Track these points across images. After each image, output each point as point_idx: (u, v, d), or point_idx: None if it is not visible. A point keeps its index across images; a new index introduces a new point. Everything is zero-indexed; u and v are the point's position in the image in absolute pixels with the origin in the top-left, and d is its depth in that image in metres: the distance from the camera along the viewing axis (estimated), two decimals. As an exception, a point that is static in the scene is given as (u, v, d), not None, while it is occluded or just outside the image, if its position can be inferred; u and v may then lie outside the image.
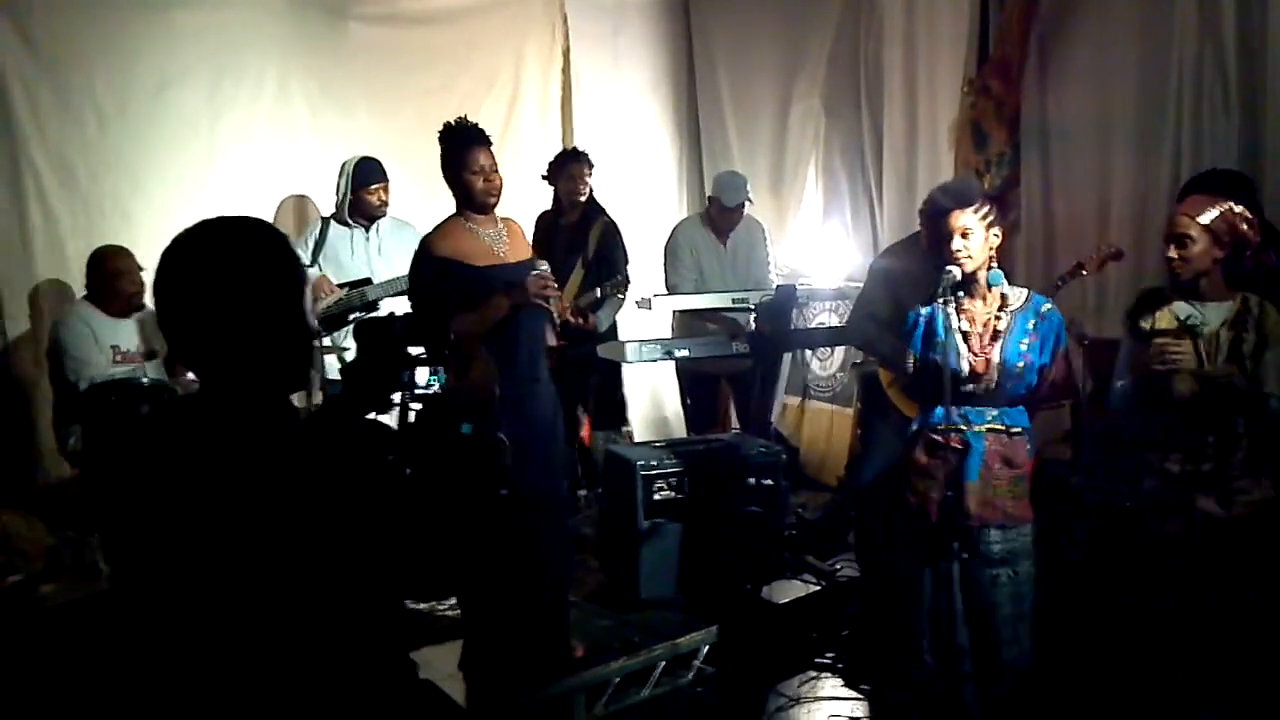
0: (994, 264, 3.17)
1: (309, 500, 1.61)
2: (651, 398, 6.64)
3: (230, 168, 5.34)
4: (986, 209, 3.16)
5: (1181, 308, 3.13)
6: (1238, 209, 3.09)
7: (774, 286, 5.20)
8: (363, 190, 4.98)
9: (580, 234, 5.28)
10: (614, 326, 5.36)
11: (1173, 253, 3.11)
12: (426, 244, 3.61)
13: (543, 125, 6.50)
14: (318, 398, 4.26)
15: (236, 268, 1.67)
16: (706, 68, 7.05)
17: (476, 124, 3.62)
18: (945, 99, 5.53)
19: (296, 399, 1.87)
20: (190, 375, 1.81)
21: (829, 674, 4.09)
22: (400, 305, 4.50)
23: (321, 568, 1.63)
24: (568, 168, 5.32)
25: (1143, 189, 4.72)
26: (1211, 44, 4.42)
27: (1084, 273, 4.31)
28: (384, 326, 2.12)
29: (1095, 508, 3.91)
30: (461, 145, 3.57)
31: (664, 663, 3.93)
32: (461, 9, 6.17)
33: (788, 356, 5.34)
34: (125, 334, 4.64)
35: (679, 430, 6.05)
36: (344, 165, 5.05)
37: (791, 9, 6.50)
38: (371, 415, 2.00)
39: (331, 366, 4.71)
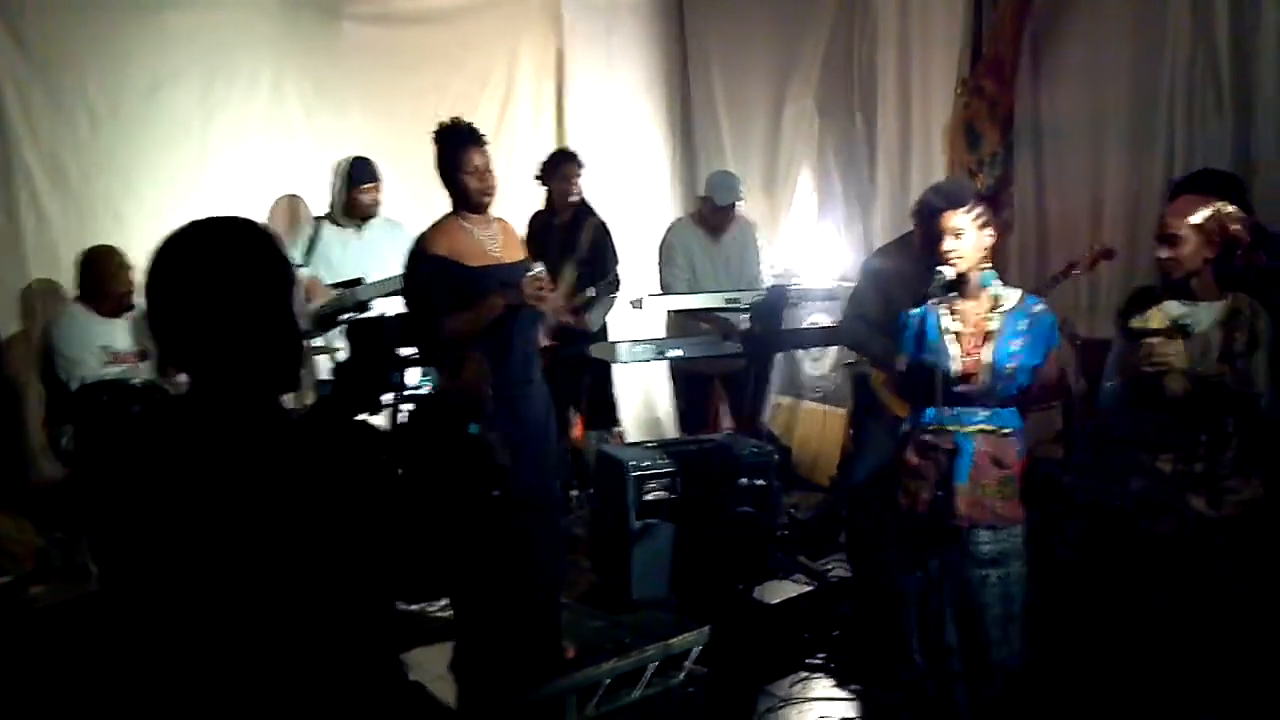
0: (986, 264, 3.17)
1: (299, 501, 1.61)
2: (644, 398, 6.64)
3: (223, 168, 5.33)
4: (979, 210, 3.17)
5: (1173, 307, 3.14)
6: (1229, 209, 3.09)
7: (766, 286, 5.20)
8: (356, 189, 4.99)
9: (572, 234, 5.27)
10: (605, 326, 5.37)
11: (1163, 253, 3.12)
12: (422, 242, 3.60)
13: (536, 125, 6.50)
14: (309, 398, 4.25)
15: (225, 268, 1.66)
16: (700, 68, 7.05)
17: (471, 124, 3.61)
18: (938, 99, 5.53)
19: (288, 399, 1.87)
20: (182, 376, 1.80)
21: (821, 674, 4.09)
22: (392, 305, 4.50)
23: (311, 569, 1.62)
24: (560, 168, 5.33)
25: (1135, 189, 4.73)
26: (1204, 44, 4.43)
27: (1076, 272, 4.31)
28: (375, 327, 2.12)
29: (1086, 507, 3.92)
30: (456, 145, 3.57)
31: (656, 663, 3.93)
32: (455, 9, 6.17)
33: (780, 356, 5.33)
34: (117, 334, 4.63)
35: (671, 430, 6.04)
36: (338, 164, 5.05)
37: (785, 10, 6.50)
38: (362, 416, 2.00)
39: (323, 367, 4.71)
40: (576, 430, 5.51)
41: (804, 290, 5.59)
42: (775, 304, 5.01)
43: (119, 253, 4.61)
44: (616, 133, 6.76)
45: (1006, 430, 3.15)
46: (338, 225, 5.03)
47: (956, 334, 3.16)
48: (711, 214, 5.40)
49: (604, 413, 5.60)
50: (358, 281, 4.86)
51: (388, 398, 2.07)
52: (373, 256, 5.03)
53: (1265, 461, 3.07)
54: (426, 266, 3.54)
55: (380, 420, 2.05)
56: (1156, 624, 3.14)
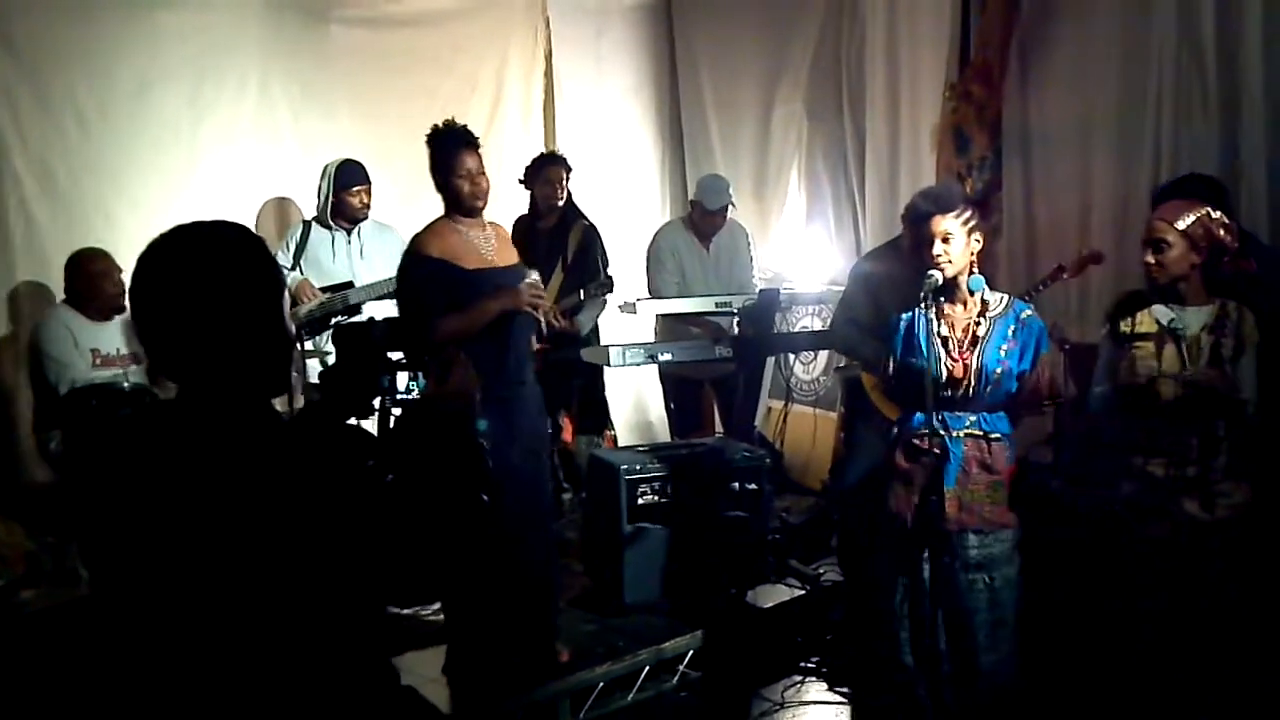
0: (975, 269, 3.18)
1: (288, 505, 1.61)
2: (635, 402, 6.64)
3: (212, 170, 5.32)
4: (968, 214, 3.17)
5: (1161, 312, 3.15)
6: (1215, 214, 3.10)
7: (757, 290, 5.20)
8: (344, 192, 4.98)
9: (559, 238, 5.27)
10: (596, 330, 5.36)
11: (1150, 258, 3.13)
12: (417, 244, 3.59)
13: (526, 129, 6.49)
14: (299, 402, 4.24)
15: (212, 273, 1.66)
16: (689, 71, 7.06)
17: (465, 126, 3.61)
18: (927, 103, 5.54)
19: (278, 403, 1.86)
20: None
21: (813, 678, 4.10)
22: (381, 309, 4.49)
23: (300, 573, 1.62)
24: (544, 171, 5.31)
25: (1123, 193, 4.74)
26: (1191, 49, 4.44)
27: (1064, 276, 4.33)
28: (363, 331, 2.11)
29: (1076, 511, 3.92)
30: (450, 148, 3.57)
31: (648, 667, 3.93)
32: (443, 12, 6.16)
33: (771, 360, 5.33)
34: (105, 337, 4.61)
35: (663, 434, 6.05)
36: (326, 168, 5.04)
37: (774, 13, 6.50)
38: (351, 420, 2.00)
39: (314, 370, 4.70)
40: (567, 434, 5.50)
41: (794, 294, 5.61)
42: (766, 308, 5.01)
43: (107, 255, 4.60)
44: (606, 136, 6.76)
45: (995, 435, 3.15)
46: (327, 228, 5.03)
47: (944, 339, 3.17)
48: (701, 218, 5.40)
49: (595, 416, 5.60)
50: (349, 285, 4.85)
51: (376, 402, 2.07)
52: (363, 260, 5.02)
53: (1256, 465, 3.09)
54: (422, 269, 3.53)
55: (369, 424, 2.05)
56: (1150, 628, 3.15)
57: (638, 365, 4.86)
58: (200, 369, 1.67)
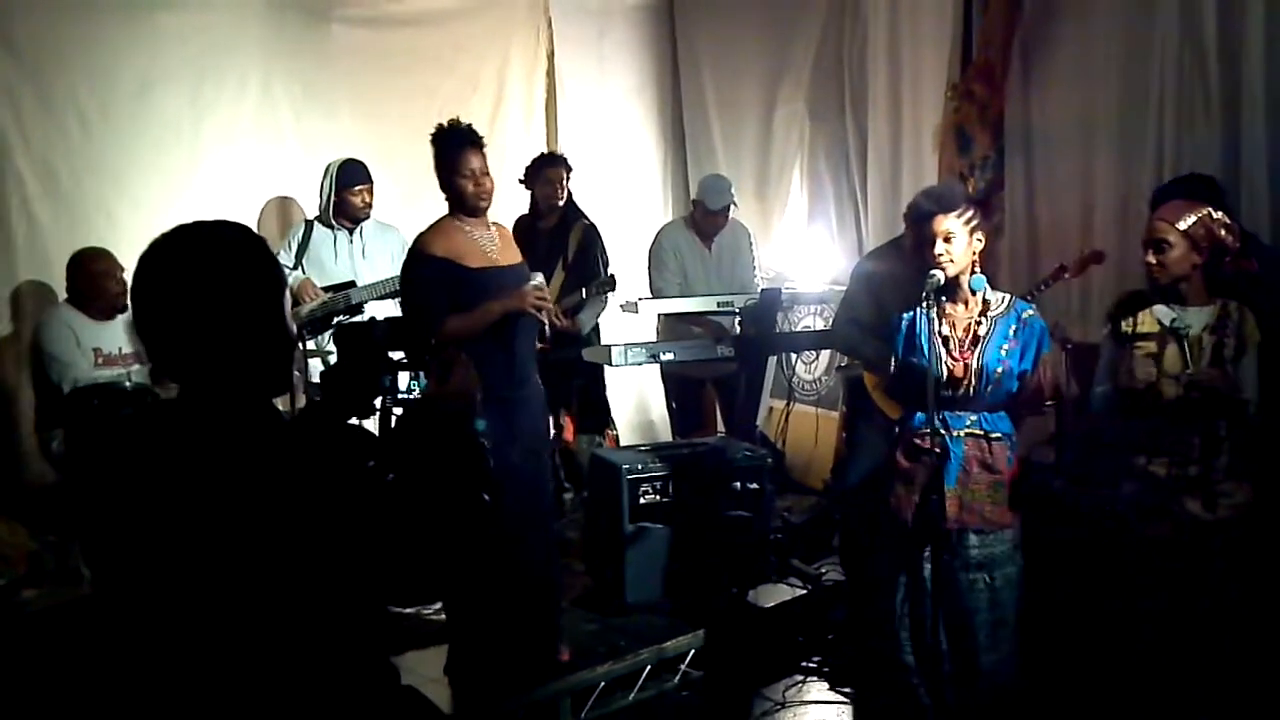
0: (977, 268, 3.18)
1: (289, 505, 1.61)
2: (637, 401, 6.64)
3: (214, 170, 5.32)
4: (970, 214, 3.17)
5: (1163, 312, 3.15)
6: (1216, 214, 3.10)
7: (759, 290, 5.20)
8: (346, 191, 4.98)
9: (559, 237, 5.27)
10: (597, 330, 5.36)
11: (1151, 258, 3.13)
12: (421, 243, 3.59)
13: (527, 129, 6.48)
14: (301, 401, 4.25)
15: (213, 273, 1.66)
16: (691, 71, 7.05)
17: (470, 126, 3.60)
18: (929, 103, 5.54)
19: (279, 403, 1.87)
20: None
21: (815, 678, 4.09)
22: (383, 309, 4.49)
23: (301, 573, 1.62)
24: (544, 171, 5.31)
25: (1125, 193, 4.74)
26: (1193, 49, 4.44)
27: (1066, 275, 4.33)
28: (365, 331, 2.12)
29: (1078, 511, 3.92)
30: (454, 148, 3.56)
31: (650, 667, 3.93)
32: (445, 12, 6.16)
33: (773, 360, 5.33)
34: (107, 336, 4.62)
35: (664, 434, 6.04)
36: (328, 167, 5.04)
37: (776, 13, 6.50)
38: (353, 420, 2.00)
39: (316, 370, 4.70)
40: (568, 433, 5.50)
41: (796, 293, 5.61)
42: (768, 307, 5.01)
43: (109, 254, 4.60)
44: (608, 136, 6.76)
45: (996, 435, 3.15)
46: (329, 228, 5.03)
47: (946, 338, 3.17)
48: (703, 218, 5.40)
49: (596, 416, 5.60)
50: (350, 284, 4.85)
51: (378, 402, 2.07)
52: (365, 259, 5.03)
53: (1257, 465, 3.09)
54: (426, 268, 3.53)
55: (370, 424, 2.05)
56: (1151, 628, 3.15)
57: (639, 365, 4.86)
58: (201, 369, 1.67)
